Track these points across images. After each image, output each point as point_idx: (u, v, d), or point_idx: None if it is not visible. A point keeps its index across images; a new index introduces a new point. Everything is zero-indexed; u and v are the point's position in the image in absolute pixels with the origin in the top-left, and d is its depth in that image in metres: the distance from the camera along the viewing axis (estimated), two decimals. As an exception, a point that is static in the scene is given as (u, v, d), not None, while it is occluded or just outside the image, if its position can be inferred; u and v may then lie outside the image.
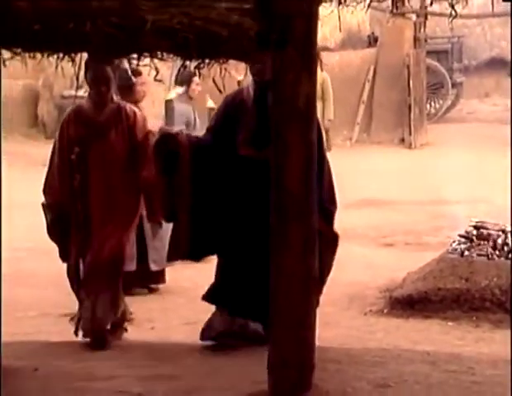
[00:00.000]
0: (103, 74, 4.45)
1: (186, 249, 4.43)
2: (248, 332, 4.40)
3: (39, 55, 3.71)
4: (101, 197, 4.48)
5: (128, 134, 4.53)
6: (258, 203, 4.21)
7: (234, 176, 4.37)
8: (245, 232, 4.37)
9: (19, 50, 3.54)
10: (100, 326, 4.47)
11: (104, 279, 4.46)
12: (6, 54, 3.55)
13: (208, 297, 4.47)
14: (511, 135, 6.93)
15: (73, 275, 4.57)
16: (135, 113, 4.60)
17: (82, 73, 4.23)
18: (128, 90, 5.83)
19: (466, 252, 5.64)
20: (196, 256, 4.56)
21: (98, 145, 4.49)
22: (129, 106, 4.68)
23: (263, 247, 4.05)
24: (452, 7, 3.41)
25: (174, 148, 4.33)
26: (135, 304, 5.23)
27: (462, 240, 5.78)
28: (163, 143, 4.35)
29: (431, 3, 3.49)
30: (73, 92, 8.12)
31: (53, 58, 3.62)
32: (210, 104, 7.41)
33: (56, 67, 3.67)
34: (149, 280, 5.57)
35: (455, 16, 3.45)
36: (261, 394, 3.77)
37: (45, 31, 3.32)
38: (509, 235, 5.68)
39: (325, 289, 4.23)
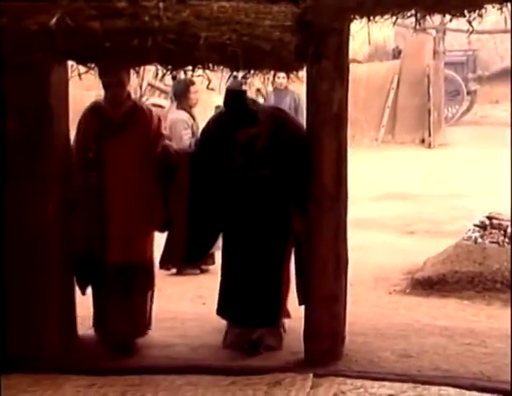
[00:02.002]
0: (116, 78, 3.88)
1: (182, 256, 3.96)
2: (259, 344, 3.90)
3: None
4: (117, 196, 3.89)
5: (144, 134, 3.94)
6: (252, 210, 3.84)
7: (229, 184, 3.86)
8: (242, 238, 3.90)
9: (92, 65, 3.59)
10: (117, 332, 3.93)
11: (123, 282, 3.89)
12: (81, 68, 3.60)
13: (218, 311, 4.02)
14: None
15: (77, 271, 3.98)
16: (151, 113, 4.02)
17: (144, 83, 4.11)
18: (183, 97, 5.86)
19: (480, 240, 5.56)
20: (191, 261, 4.14)
21: (115, 143, 3.91)
22: (146, 106, 4.13)
23: (259, 251, 3.81)
24: (470, 23, 3.36)
25: (173, 161, 3.87)
26: (189, 283, 5.26)
27: (476, 229, 5.71)
28: (164, 155, 3.87)
29: (450, 20, 3.43)
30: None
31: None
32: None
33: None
34: (200, 262, 5.59)
35: (471, 32, 3.39)
36: (297, 362, 3.76)
37: (114, 48, 3.36)
38: (518, 225, 5.60)
39: (355, 270, 4.19)
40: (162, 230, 3.99)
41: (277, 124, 3.85)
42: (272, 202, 3.87)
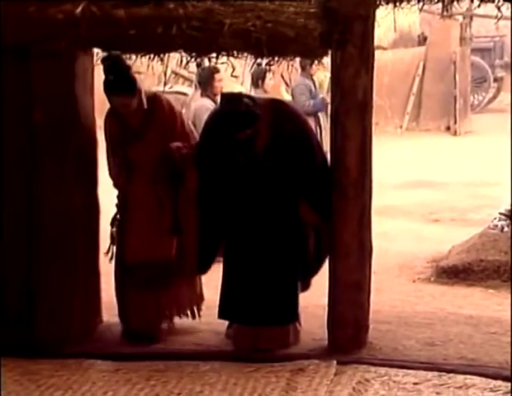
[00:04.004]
0: (121, 103, 3.80)
1: (195, 263, 3.79)
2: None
3: (133, 56, 3.77)
4: (141, 198, 3.85)
5: (164, 135, 3.82)
6: (257, 206, 3.68)
7: (233, 184, 3.70)
8: (249, 237, 3.73)
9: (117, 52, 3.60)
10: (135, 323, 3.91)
11: (144, 277, 3.87)
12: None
13: (220, 313, 3.83)
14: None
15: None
16: (167, 112, 3.86)
17: (168, 71, 4.03)
18: (208, 85, 5.88)
19: (506, 228, 5.51)
20: (204, 268, 3.88)
21: (138, 148, 3.85)
22: (165, 102, 3.88)
23: (266, 251, 3.66)
24: (498, 8, 3.31)
25: (177, 165, 3.71)
26: (213, 270, 5.25)
27: (502, 217, 5.66)
28: (169, 160, 3.72)
29: (478, 6, 3.38)
30: (160, 88, 8.24)
31: (145, 58, 3.67)
32: (287, 97, 7.36)
33: (148, 66, 3.71)
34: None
35: (500, 18, 3.35)
36: (321, 350, 3.76)
37: (139, 35, 3.37)
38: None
39: (379, 258, 4.17)
40: (171, 234, 3.86)
41: (278, 117, 3.67)
42: (277, 197, 3.71)
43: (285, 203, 3.75)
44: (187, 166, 3.76)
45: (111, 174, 3.99)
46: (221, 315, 3.89)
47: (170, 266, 3.90)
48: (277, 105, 3.82)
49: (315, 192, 3.70)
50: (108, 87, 3.78)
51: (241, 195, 3.75)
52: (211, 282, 4.61)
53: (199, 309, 4.12)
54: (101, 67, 3.74)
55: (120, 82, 3.75)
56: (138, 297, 3.93)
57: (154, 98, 3.91)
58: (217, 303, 3.91)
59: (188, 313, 4.08)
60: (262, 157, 3.68)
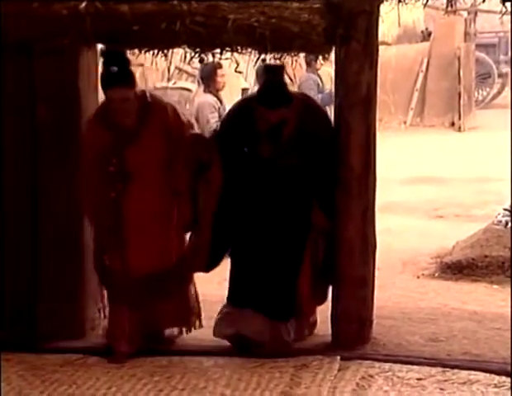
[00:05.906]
0: (122, 96, 3.57)
1: (206, 260, 3.74)
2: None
3: (137, 52, 3.77)
4: (141, 202, 3.62)
5: (163, 131, 3.62)
6: (271, 202, 3.66)
7: (251, 178, 3.66)
8: (259, 231, 3.70)
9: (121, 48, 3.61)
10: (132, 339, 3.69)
11: (142, 292, 3.67)
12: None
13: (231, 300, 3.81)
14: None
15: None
16: (163, 105, 3.66)
17: (172, 67, 4.00)
18: (210, 81, 5.88)
19: (510, 224, 5.51)
20: (213, 266, 3.83)
21: (134, 150, 3.61)
22: (157, 98, 3.73)
23: (272, 249, 3.64)
24: (503, 3, 3.31)
25: (205, 155, 3.62)
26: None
27: (506, 213, 5.66)
28: (196, 146, 3.63)
29: (483, 1, 3.37)
30: (164, 84, 8.23)
31: (148, 54, 3.67)
32: None
33: (152, 62, 3.71)
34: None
35: (505, 13, 3.34)
36: (324, 345, 3.77)
37: (142, 31, 3.38)
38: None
39: (383, 254, 4.18)
40: (186, 230, 3.74)
41: (307, 112, 3.67)
42: (293, 195, 3.69)
43: (298, 203, 3.73)
44: (213, 155, 3.62)
45: (82, 200, 3.69)
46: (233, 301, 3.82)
47: (170, 277, 3.72)
48: (307, 100, 3.87)
49: (330, 197, 3.67)
50: (108, 80, 3.58)
51: (257, 192, 3.70)
52: (214, 277, 4.63)
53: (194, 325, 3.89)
54: (101, 60, 3.63)
55: (122, 73, 3.58)
56: (136, 310, 3.71)
57: (151, 98, 3.69)
58: (223, 296, 3.94)
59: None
60: (285, 151, 3.65)
